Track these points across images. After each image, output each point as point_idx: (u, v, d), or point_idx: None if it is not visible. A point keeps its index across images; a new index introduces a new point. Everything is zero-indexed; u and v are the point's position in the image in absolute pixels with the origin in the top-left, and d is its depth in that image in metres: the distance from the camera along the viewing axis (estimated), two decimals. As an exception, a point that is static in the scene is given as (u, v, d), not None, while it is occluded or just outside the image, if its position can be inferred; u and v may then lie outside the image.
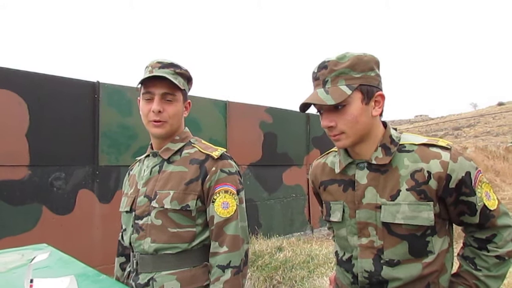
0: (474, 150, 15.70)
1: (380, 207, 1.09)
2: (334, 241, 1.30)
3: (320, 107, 1.10)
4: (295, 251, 4.34)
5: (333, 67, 1.06)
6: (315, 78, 1.10)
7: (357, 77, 1.05)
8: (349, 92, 1.03)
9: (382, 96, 1.10)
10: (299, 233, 6.42)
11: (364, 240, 1.12)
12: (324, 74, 1.07)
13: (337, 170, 1.19)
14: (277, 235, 5.69)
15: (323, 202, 1.28)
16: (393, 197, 1.07)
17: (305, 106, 1.11)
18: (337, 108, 1.06)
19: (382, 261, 1.09)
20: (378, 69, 1.11)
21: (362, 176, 1.13)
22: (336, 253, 1.25)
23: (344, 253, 1.20)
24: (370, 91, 1.07)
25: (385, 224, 1.08)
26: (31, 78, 3.67)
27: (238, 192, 1.34)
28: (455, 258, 1.16)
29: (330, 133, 1.10)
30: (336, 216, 1.18)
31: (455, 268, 1.16)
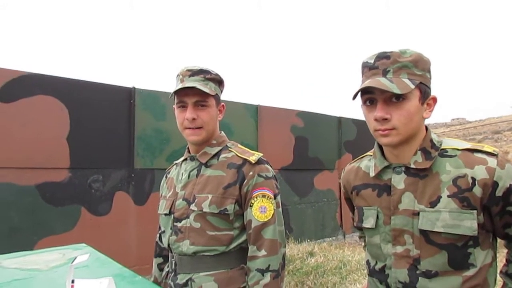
0: (517, 155, 14.90)
1: (417, 213, 1.03)
2: (365, 250, 1.25)
3: (372, 97, 1.04)
4: (327, 257, 4.28)
5: (397, 58, 1.01)
6: (372, 67, 1.04)
7: (418, 74, 1.01)
8: (412, 86, 0.99)
9: (435, 100, 1.07)
10: (330, 238, 6.33)
11: (399, 249, 1.06)
12: (386, 63, 1.02)
13: (372, 174, 1.15)
14: (308, 240, 5.65)
15: (355, 207, 1.23)
16: (433, 204, 1.02)
17: (357, 93, 1.05)
18: (395, 101, 1.00)
19: (418, 272, 1.03)
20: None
21: (399, 180, 1.08)
22: (368, 262, 1.20)
23: (377, 262, 1.15)
24: (427, 92, 1.04)
25: (422, 232, 1.02)
26: (72, 84, 3.84)
27: (275, 196, 1.34)
28: (498, 275, 1.08)
29: (381, 126, 1.02)
30: (369, 222, 1.13)
31: (498, 286, 1.08)
